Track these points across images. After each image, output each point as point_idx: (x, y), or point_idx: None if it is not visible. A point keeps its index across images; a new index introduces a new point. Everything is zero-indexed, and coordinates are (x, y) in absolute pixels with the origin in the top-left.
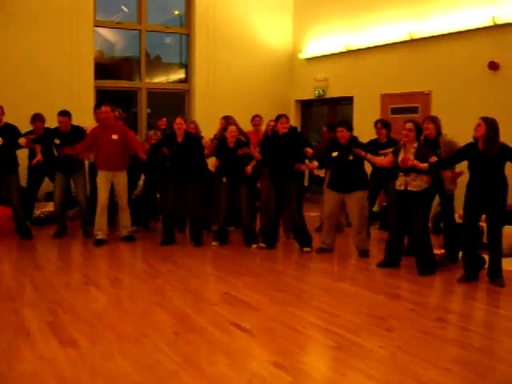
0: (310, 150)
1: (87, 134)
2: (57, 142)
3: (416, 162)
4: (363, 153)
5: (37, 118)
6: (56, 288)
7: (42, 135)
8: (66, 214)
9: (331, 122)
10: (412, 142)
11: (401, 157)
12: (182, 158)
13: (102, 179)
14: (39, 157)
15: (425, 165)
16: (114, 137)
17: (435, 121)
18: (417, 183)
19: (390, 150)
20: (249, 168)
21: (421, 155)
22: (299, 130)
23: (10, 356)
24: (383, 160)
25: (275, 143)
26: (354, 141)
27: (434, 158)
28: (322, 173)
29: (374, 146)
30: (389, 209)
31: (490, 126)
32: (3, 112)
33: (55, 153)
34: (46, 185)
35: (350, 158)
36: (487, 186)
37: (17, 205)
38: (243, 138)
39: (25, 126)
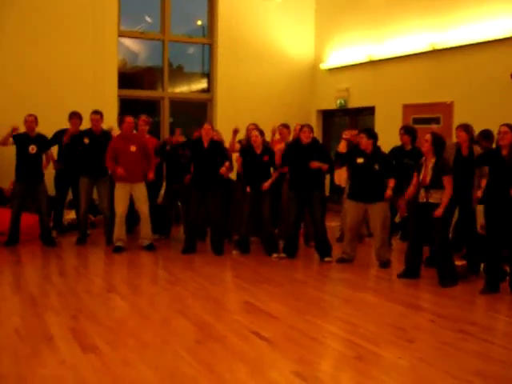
0: (325, 166)
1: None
2: (86, 141)
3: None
4: (388, 194)
5: (74, 116)
6: (78, 294)
7: (74, 134)
8: (88, 221)
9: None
10: (430, 156)
11: (422, 174)
12: (206, 165)
13: (120, 191)
14: (56, 164)
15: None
16: (133, 148)
17: (467, 129)
18: (438, 195)
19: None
20: (267, 184)
21: (439, 171)
22: (321, 139)
23: (32, 361)
24: (412, 190)
25: (297, 152)
26: (378, 151)
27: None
28: (343, 183)
29: (398, 154)
30: (408, 220)
31: None
32: (37, 122)
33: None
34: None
35: (376, 167)
36: (508, 192)
37: (44, 212)
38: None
39: (48, 134)
